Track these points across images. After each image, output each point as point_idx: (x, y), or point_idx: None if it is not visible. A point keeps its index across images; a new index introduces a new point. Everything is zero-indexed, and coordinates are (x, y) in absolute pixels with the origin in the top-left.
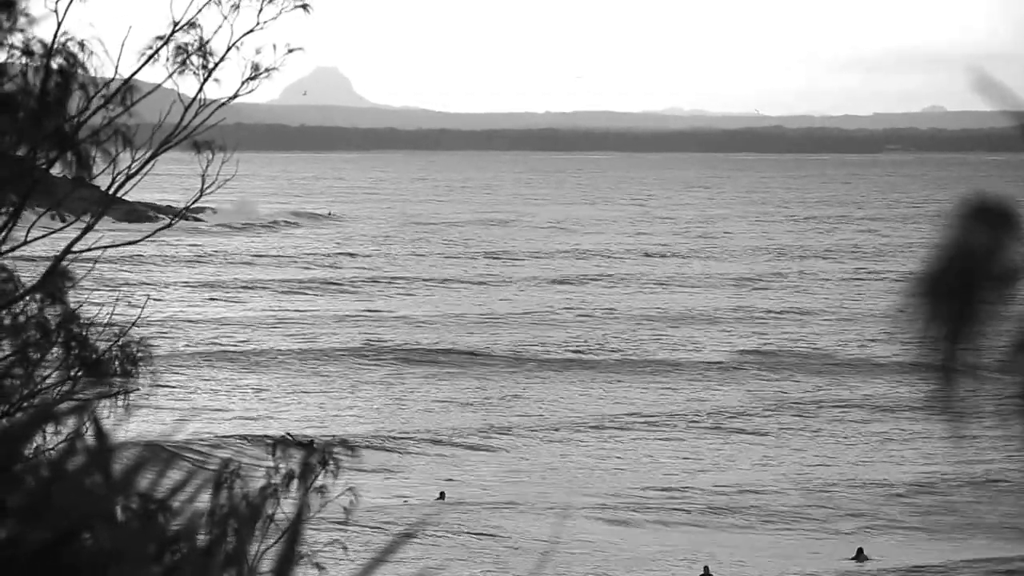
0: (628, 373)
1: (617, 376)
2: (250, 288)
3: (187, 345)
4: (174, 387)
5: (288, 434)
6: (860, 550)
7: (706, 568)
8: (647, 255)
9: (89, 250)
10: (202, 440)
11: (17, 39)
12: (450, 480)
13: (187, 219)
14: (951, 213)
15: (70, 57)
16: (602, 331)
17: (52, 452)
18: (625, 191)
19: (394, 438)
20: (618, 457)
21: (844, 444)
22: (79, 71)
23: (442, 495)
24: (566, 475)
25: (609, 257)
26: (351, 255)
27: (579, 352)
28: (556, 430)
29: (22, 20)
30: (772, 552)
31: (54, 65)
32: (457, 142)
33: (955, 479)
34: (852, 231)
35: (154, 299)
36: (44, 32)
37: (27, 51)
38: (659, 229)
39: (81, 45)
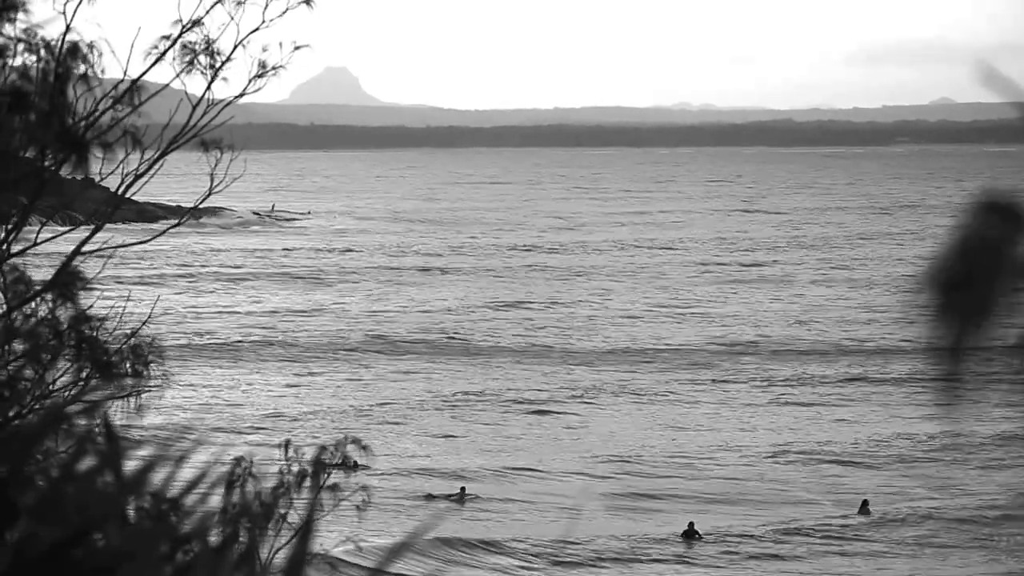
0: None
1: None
2: (261, 285)
3: (197, 343)
4: (184, 385)
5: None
6: (865, 502)
7: (691, 524)
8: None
9: (99, 250)
10: (214, 438)
11: (22, 34)
12: (465, 480)
13: (198, 218)
14: (963, 208)
15: (79, 58)
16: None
17: (63, 453)
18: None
19: (410, 434)
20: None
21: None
22: (88, 72)
23: (462, 492)
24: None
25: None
26: (361, 252)
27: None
28: (569, 423)
29: (30, 20)
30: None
31: (62, 66)
32: (467, 139)
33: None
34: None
35: (163, 298)
36: (52, 33)
37: (36, 51)
38: (660, 220)
39: (90, 46)
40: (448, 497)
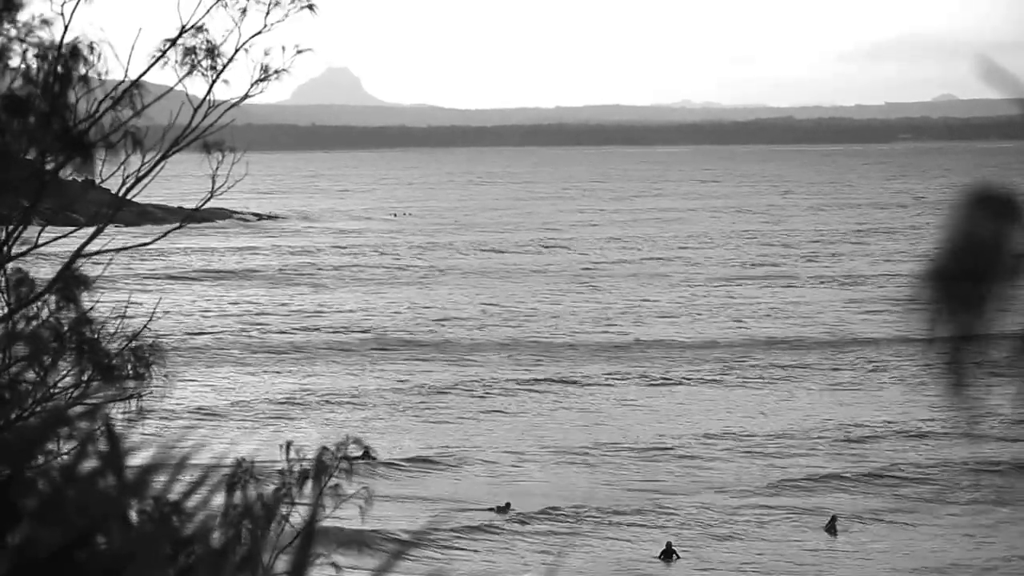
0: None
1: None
2: (260, 286)
3: (197, 345)
4: (184, 387)
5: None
6: (834, 517)
7: (669, 544)
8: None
9: (100, 252)
10: (215, 440)
11: (21, 36)
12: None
13: (199, 220)
14: (956, 203)
15: (79, 59)
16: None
17: (65, 456)
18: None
19: (414, 433)
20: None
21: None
22: (88, 73)
23: (507, 506)
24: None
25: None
26: (358, 253)
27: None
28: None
29: (31, 21)
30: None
31: (62, 67)
32: (468, 138)
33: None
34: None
35: (163, 300)
36: (52, 35)
37: (36, 54)
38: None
39: (90, 47)
40: (490, 510)
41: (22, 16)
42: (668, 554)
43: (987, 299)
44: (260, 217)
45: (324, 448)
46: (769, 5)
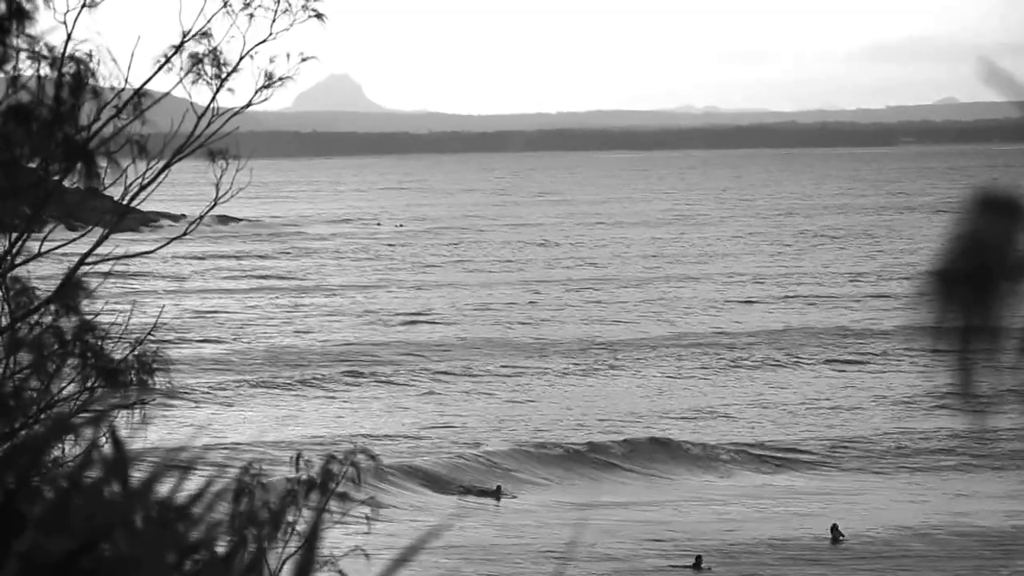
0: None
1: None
2: (265, 291)
3: (198, 352)
4: (190, 395)
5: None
6: (835, 526)
7: (699, 557)
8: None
9: (103, 260)
10: (219, 447)
11: (25, 44)
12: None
13: (198, 226)
14: (962, 205)
15: (80, 67)
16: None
17: (70, 463)
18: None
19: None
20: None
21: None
22: (90, 80)
23: (498, 489)
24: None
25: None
26: (354, 257)
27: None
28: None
29: (36, 29)
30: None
31: (65, 74)
32: (470, 144)
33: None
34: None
35: (169, 307)
36: (54, 42)
37: (37, 60)
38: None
39: (90, 55)
40: (483, 493)
41: (29, 25)
42: (697, 564)
43: (992, 299)
44: (260, 224)
45: (331, 456)
46: (770, 10)
